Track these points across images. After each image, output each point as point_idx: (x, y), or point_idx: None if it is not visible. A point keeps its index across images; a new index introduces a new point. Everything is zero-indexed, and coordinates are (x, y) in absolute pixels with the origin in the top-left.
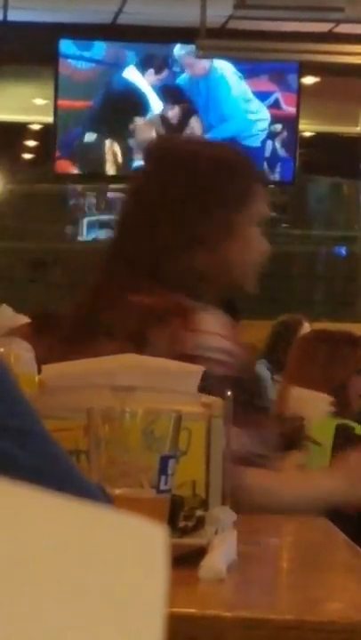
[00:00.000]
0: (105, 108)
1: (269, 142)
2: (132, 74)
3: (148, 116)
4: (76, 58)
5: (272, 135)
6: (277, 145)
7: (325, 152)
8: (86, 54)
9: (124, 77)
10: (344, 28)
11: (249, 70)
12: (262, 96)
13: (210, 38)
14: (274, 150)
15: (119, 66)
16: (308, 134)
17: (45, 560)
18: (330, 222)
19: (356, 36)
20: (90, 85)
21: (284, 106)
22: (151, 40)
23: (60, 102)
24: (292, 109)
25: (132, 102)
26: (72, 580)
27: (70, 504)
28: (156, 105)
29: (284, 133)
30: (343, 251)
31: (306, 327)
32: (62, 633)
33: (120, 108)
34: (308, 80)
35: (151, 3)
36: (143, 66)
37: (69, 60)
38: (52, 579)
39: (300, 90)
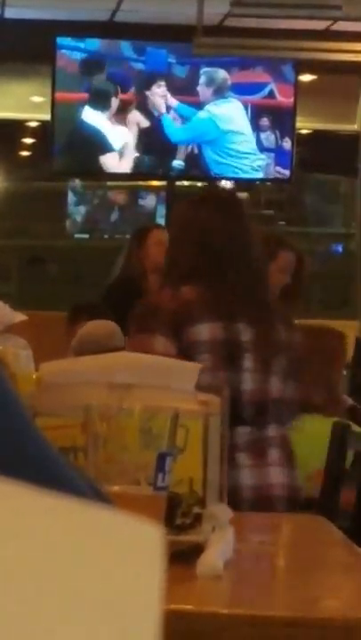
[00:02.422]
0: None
1: (265, 139)
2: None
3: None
4: (71, 48)
5: (264, 127)
6: (273, 140)
7: (322, 150)
8: (81, 45)
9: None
10: (341, 26)
11: (243, 62)
12: (256, 88)
13: (207, 36)
14: (270, 147)
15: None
16: (304, 132)
17: (40, 559)
18: (327, 220)
19: (353, 33)
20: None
21: (278, 96)
22: (148, 38)
23: (57, 95)
24: (286, 100)
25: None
26: (68, 579)
27: (66, 503)
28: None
29: (278, 125)
30: (340, 248)
31: None
32: (58, 630)
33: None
34: (306, 78)
35: (148, 0)
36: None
37: (64, 51)
38: (47, 578)
39: (297, 86)
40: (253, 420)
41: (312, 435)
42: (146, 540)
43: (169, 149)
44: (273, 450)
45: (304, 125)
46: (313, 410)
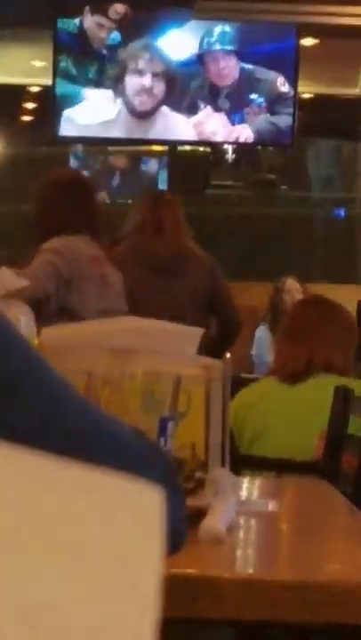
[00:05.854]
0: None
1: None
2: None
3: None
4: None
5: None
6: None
7: (324, 114)
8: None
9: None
10: None
11: (243, 30)
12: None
13: (208, 0)
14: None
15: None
16: (306, 96)
17: (43, 522)
18: (328, 184)
19: None
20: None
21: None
22: (148, 3)
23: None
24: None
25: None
26: (70, 541)
27: (67, 467)
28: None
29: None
30: (342, 213)
31: (291, 286)
32: (60, 591)
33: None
34: (307, 42)
35: None
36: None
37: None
38: (49, 540)
39: (299, 50)
40: None
41: (325, 394)
42: (147, 502)
43: None
44: None
45: (306, 90)
46: (335, 371)
